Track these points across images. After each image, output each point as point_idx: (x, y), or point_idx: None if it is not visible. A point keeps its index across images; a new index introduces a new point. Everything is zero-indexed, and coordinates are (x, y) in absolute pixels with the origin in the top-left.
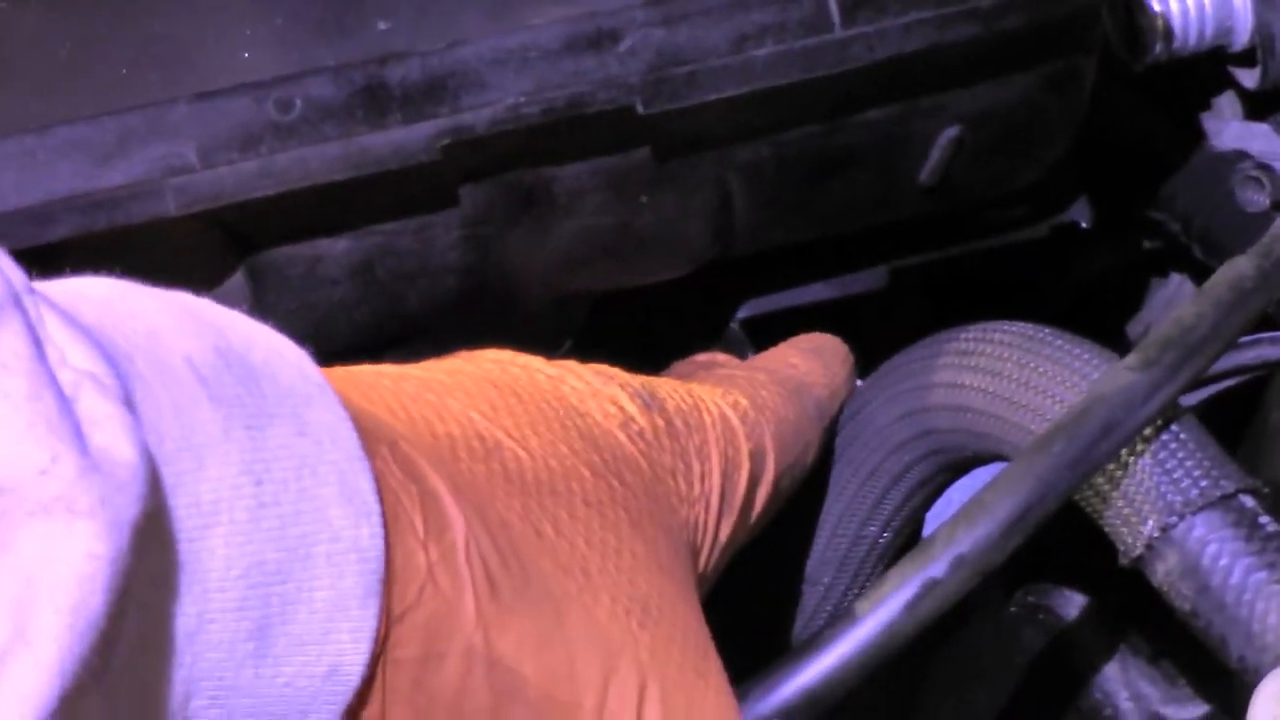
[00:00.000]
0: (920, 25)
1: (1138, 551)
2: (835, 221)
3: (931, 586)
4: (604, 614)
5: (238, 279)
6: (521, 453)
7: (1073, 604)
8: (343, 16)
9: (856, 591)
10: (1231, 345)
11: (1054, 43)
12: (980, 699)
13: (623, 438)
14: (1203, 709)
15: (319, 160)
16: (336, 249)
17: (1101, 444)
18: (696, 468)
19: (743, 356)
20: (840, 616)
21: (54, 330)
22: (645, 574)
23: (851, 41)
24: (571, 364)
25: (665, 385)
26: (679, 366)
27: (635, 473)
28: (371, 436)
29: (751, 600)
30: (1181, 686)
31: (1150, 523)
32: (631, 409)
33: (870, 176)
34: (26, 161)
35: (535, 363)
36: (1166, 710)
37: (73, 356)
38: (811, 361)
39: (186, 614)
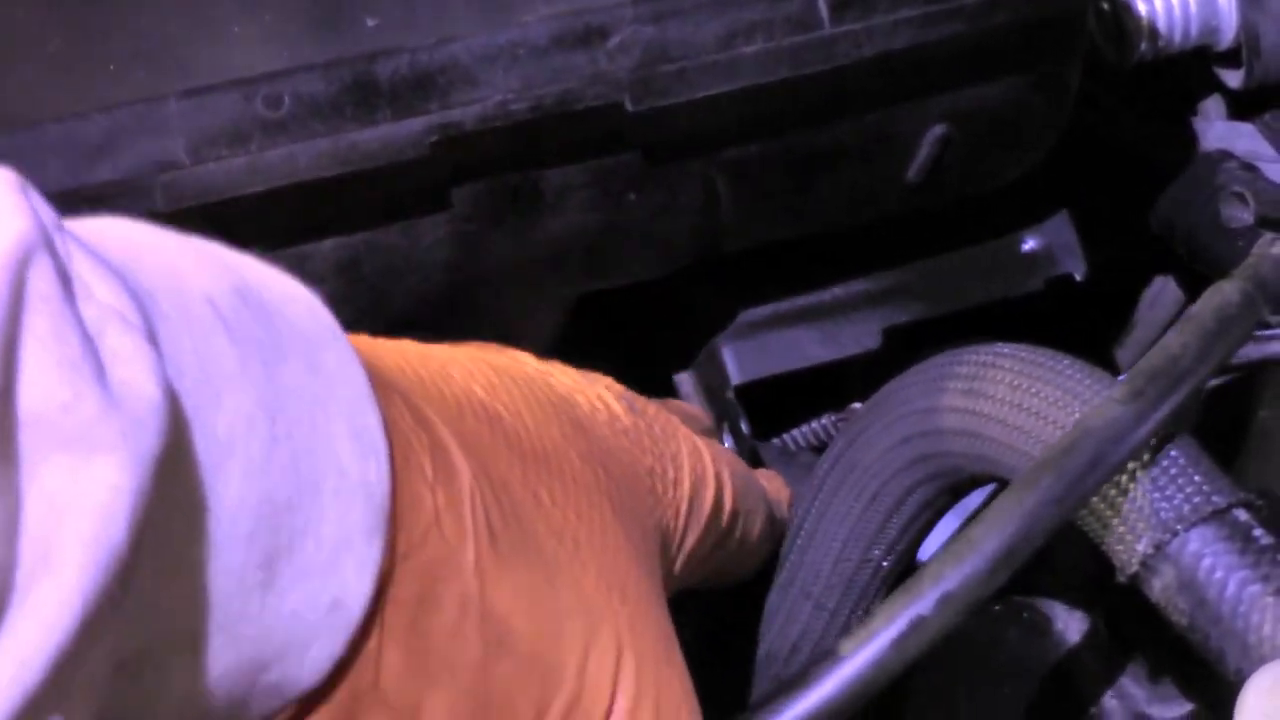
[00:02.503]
0: (907, 23)
1: (1134, 568)
2: (823, 219)
3: (919, 624)
4: (590, 585)
5: None
6: (520, 426)
7: (1057, 603)
8: (332, 13)
9: (862, 615)
10: (1217, 371)
11: (1040, 41)
12: (963, 698)
13: (607, 431)
14: (1187, 708)
15: (308, 157)
16: (324, 246)
17: (1089, 478)
18: (671, 473)
19: (735, 425)
20: (826, 654)
21: (81, 267)
22: (625, 559)
23: (839, 39)
24: (556, 363)
25: (651, 405)
26: None
27: (619, 466)
28: (383, 384)
29: (761, 627)
30: (1166, 685)
31: (1145, 539)
32: (617, 407)
33: (857, 174)
34: (16, 158)
35: (523, 355)
36: (1151, 709)
37: (99, 292)
38: (764, 479)
39: (201, 542)
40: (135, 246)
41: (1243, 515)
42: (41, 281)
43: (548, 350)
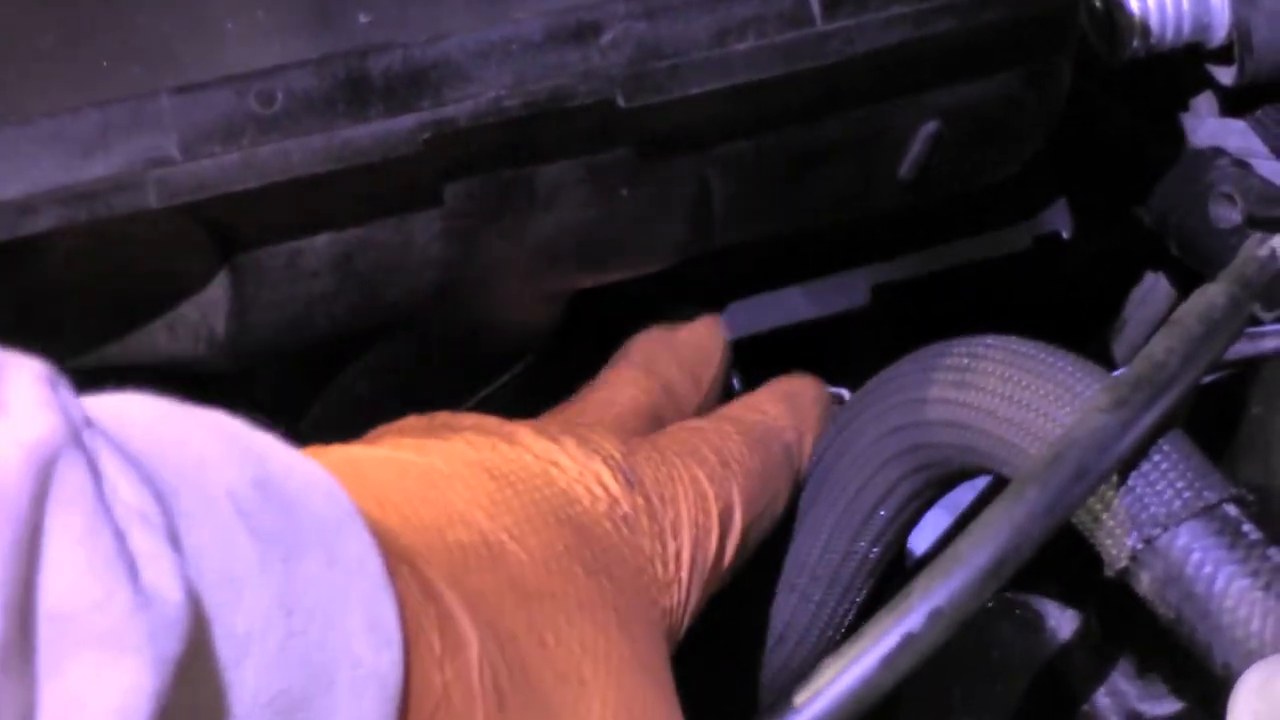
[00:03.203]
0: (899, 20)
1: (1123, 563)
2: (815, 215)
3: (909, 641)
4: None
5: (218, 271)
6: (524, 556)
7: (1049, 601)
8: (325, 9)
9: (848, 607)
10: (1204, 375)
11: (1031, 37)
12: (955, 696)
13: (609, 526)
14: (1179, 705)
15: (301, 153)
16: (317, 241)
17: (1075, 488)
18: (672, 547)
19: (728, 382)
20: (815, 673)
21: (107, 465)
22: (631, 675)
23: (832, 35)
24: (554, 429)
25: (641, 450)
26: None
27: (621, 566)
28: (392, 556)
29: (746, 617)
30: (1158, 682)
31: (1134, 534)
32: (615, 489)
33: (850, 170)
34: (8, 153)
35: (523, 436)
36: (1143, 706)
37: (123, 492)
38: (780, 406)
39: None
40: (158, 437)
41: (1233, 510)
42: (74, 478)
43: (541, 344)
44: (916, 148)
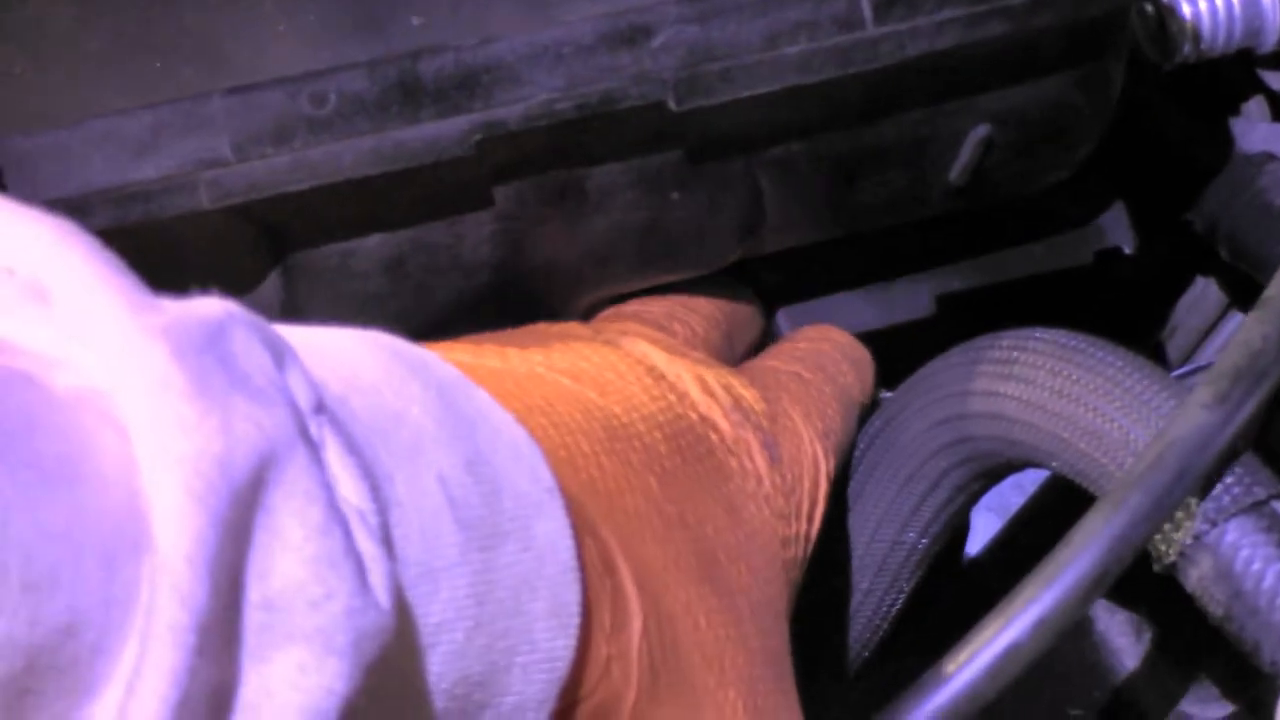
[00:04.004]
0: (952, 23)
1: (1171, 558)
2: (865, 219)
3: (1014, 650)
4: (729, 710)
5: (270, 272)
6: (684, 533)
7: (1100, 602)
8: (376, 11)
9: (895, 596)
10: None
11: (1084, 42)
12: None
13: (753, 509)
14: (1228, 709)
15: (352, 154)
16: (369, 243)
17: (1176, 489)
18: (795, 528)
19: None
20: (923, 682)
21: (332, 456)
22: (760, 665)
23: (883, 39)
24: (709, 379)
25: (779, 413)
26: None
27: (759, 553)
28: (577, 526)
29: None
30: (1208, 686)
31: (1182, 530)
32: (762, 466)
33: (900, 174)
34: (61, 154)
35: (688, 384)
36: (1193, 709)
37: (344, 488)
38: (853, 373)
39: None
40: (380, 413)
41: None
42: (306, 471)
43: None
44: (967, 152)
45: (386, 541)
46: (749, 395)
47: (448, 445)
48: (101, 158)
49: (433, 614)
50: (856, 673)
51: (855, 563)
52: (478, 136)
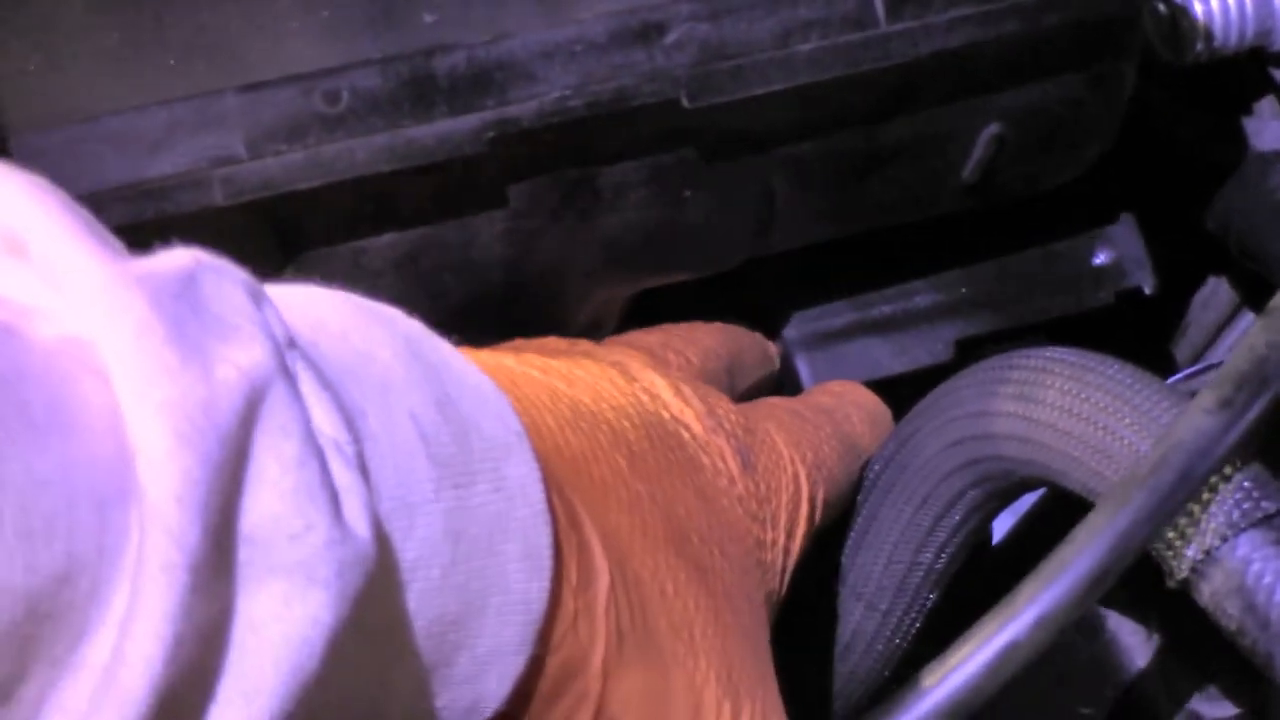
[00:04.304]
0: (964, 21)
1: (1183, 574)
2: (877, 217)
3: (1013, 647)
4: (699, 678)
5: (283, 269)
6: (654, 507)
7: (1109, 606)
8: (390, 8)
9: (914, 616)
10: None
11: (1096, 40)
12: (1015, 700)
13: (725, 503)
14: (1238, 711)
15: (366, 152)
16: (381, 240)
17: (1179, 492)
18: (770, 535)
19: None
20: (919, 678)
21: (306, 389)
22: (734, 642)
23: (895, 37)
24: (687, 389)
25: (759, 429)
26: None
27: (733, 543)
28: (546, 480)
29: (812, 626)
30: (1218, 690)
31: (1194, 545)
32: (734, 468)
33: (912, 173)
34: (75, 151)
35: (661, 391)
36: (1203, 708)
37: (319, 419)
38: (866, 427)
39: (371, 659)
40: (349, 352)
41: None
42: (284, 406)
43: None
44: (979, 150)
45: (363, 471)
46: (724, 406)
47: (417, 385)
48: (115, 155)
49: (409, 550)
50: (875, 695)
51: (874, 585)
52: (490, 134)
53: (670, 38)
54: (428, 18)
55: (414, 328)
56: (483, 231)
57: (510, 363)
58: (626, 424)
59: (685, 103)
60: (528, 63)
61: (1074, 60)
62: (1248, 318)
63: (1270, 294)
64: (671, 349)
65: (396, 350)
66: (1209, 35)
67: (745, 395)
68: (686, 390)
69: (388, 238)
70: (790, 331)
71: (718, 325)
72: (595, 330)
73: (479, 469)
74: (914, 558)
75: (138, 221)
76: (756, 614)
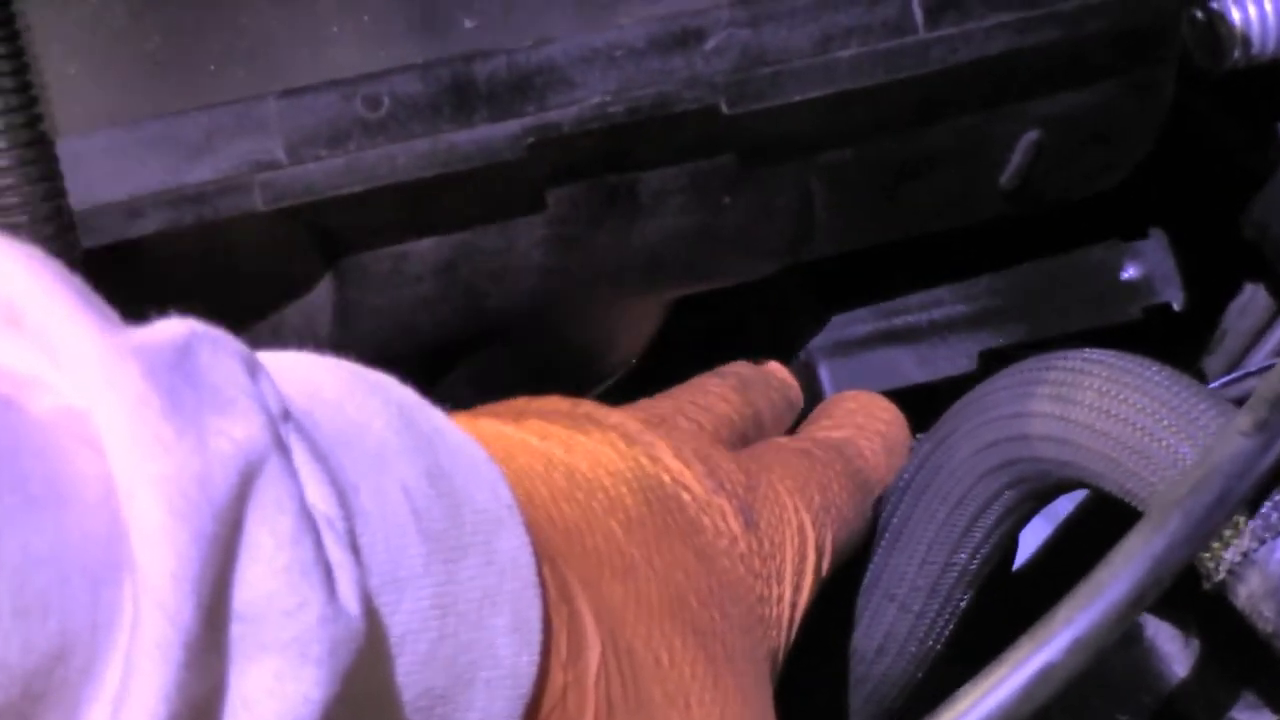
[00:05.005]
0: (1002, 28)
1: (1220, 575)
2: (915, 224)
3: (1048, 670)
4: None
5: (323, 275)
6: (650, 573)
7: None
8: (430, 14)
9: (947, 618)
10: None
11: (1134, 47)
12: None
13: (726, 563)
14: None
15: (406, 157)
16: (421, 246)
17: (1216, 514)
18: (775, 591)
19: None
20: (957, 700)
21: (300, 463)
22: (733, 708)
23: (934, 44)
24: (687, 451)
25: (762, 483)
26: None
27: (735, 603)
28: (538, 548)
29: (846, 629)
30: (1259, 697)
31: (1232, 547)
32: (735, 527)
33: (951, 179)
34: (115, 155)
35: (661, 452)
36: (1243, 716)
37: (313, 494)
38: (881, 458)
39: None
40: (344, 423)
41: None
42: (280, 480)
43: (639, 353)
44: (1018, 157)
45: (354, 548)
46: (726, 466)
47: (410, 458)
48: (156, 159)
49: (397, 624)
50: (910, 695)
51: (907, 586)
52: (530, 140)
53: (710, 43)
54: (468, 23)
55: (408, 396)
56: (522, 237)
57: (509, 431)
58: (624, 489)
59: (725, 109)
60: (568, 68)
61: (1113, 67)
62: None
63: None
64: (684, 414)
65: (390, 420)
66: (1246, 42)
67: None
68: (687, 451)
69: (427, 243)
70: (815, 339)
71: (733, 383)
72: (630, 343)
73: (470, 543)
74: (948, 559)
75: (178, 227)
76: (759, 673)
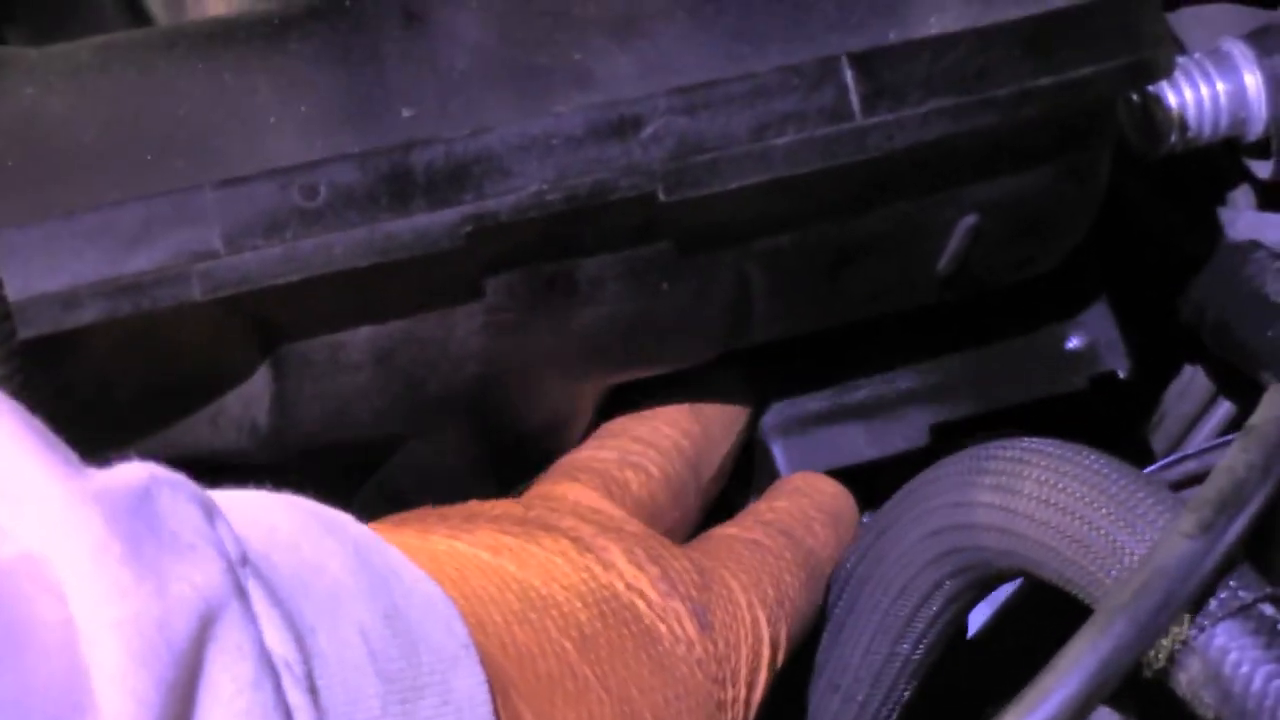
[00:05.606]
0: (939, 114)
1: (1160, 664)
2: (853, 310)
3: None
4: None
5: (260, 364)
6: (604, 695)
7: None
8: (367, 103)
9: (890, 707)
10: None
11: (1071, 132)
12: None
13: (685, 670)
14: None
15: (344, 246)
16: (360, 335)
17: (1161, 617)
18: (730, 693)
19: (768, 479)
20: None
21: (259, 607)
22: None
23: (871, 130)
24: (641, 554)
25: (715, 581)
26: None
27: (693, 712)
28: (491, 687)
29: (790, 716)
30: None
31: (1171, 635)
32: (691, 632)
33: (889, 265)
34: (52, 246)
35: (615, 559)
36: None
37: (270, 639)
38: (830, 531)
39: None
40: (300, 565)
41: (1269, 609)
42: (239, 626)
43: (577, 438)
44: (955, 242)
45: (313, 690)
46: (679, 565)
47: (366, 599)
48: (92, 249)
49: None
50: None
51: (850, 676)
52: (468, 228)
53: (647, 131)
54: (406, 112)
55: (363, 534)
56: (461, 325)
57: (461, 548)
58: (578, 604)
59: (662, 196)
60: (505, 156)
61: (1050, 152)
62: (1224, 407)
63: (1244, 385)
64: (630, 466)
65: (345, 560)
66: (1183, 126)
67: (716, 475)
68: (640, 554)
69: (365, 332)
70: (766, 417)
71: (685, 407)
72: (569, 426)
73: (426, 682)
74: (892, 648)
75: (115, 317)
76: None
